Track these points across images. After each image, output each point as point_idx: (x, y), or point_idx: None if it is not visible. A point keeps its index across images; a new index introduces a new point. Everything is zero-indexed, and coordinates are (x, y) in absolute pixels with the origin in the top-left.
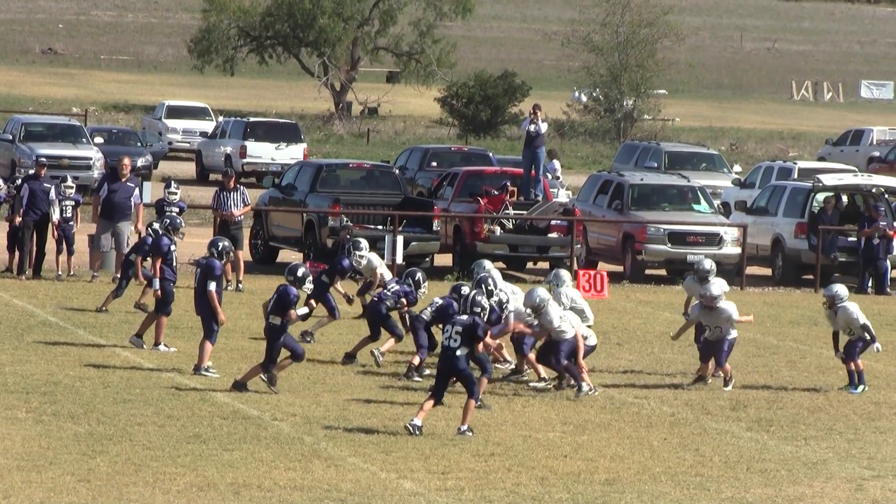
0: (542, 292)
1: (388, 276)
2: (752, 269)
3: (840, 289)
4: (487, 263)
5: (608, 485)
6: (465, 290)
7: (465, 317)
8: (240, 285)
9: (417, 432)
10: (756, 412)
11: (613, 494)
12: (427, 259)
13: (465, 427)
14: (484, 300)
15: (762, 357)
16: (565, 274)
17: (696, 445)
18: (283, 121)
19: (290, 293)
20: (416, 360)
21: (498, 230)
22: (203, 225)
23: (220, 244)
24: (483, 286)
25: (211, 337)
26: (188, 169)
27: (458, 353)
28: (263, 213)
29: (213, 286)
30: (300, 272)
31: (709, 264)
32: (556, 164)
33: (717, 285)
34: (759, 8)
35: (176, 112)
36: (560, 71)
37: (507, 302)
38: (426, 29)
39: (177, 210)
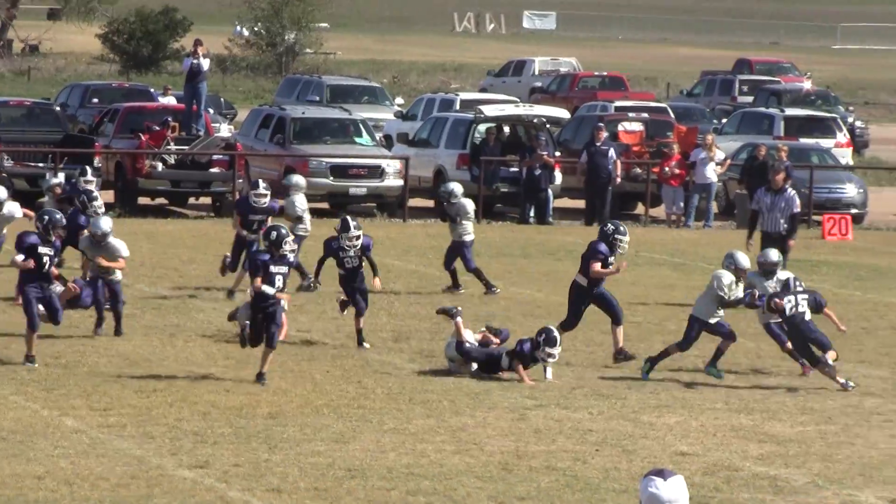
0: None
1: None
2: (414, 202)
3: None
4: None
5: (271, 418)
6: None
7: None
8: None
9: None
10: (418, 343)
11: (276, 428)
12: None
13: (843, 380)
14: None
15: (424, 289)
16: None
17: (359, 378)
18: None
19: None
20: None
21: (160, 166)
22: None
23: (46, 217)
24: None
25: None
26: None
27: (807, 316)
28: None
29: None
30: None
31: (776, 256)
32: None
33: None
34: None
35: None
36: (222, 5)
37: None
38: None
39: None
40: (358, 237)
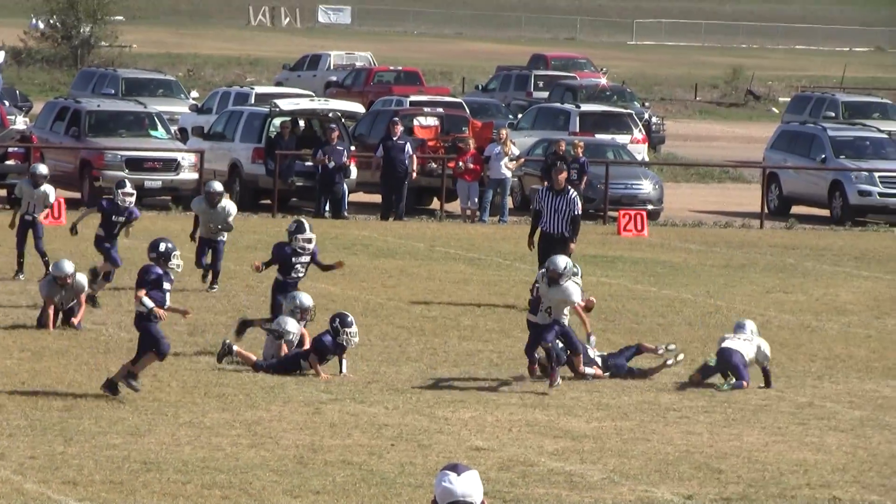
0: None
1: None
2: None
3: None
4: None
5: (66, 411)
6: None
7: None
8: None
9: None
10: (214, 337)
11: (71, 420)
12: None
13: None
14: None
15: (222, 283)
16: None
17: (154, 371)
18: None
19: None
20: None
21: None
22: None
23: None
24: None
25: None
26: None
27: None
28: None
29: None
30: None
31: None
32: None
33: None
34: None
35: None
36: None
37: None
38: None
39: None
40: (311, 240)
